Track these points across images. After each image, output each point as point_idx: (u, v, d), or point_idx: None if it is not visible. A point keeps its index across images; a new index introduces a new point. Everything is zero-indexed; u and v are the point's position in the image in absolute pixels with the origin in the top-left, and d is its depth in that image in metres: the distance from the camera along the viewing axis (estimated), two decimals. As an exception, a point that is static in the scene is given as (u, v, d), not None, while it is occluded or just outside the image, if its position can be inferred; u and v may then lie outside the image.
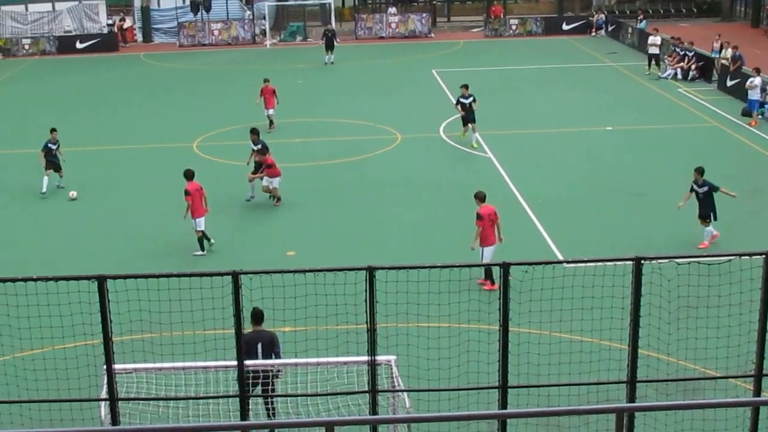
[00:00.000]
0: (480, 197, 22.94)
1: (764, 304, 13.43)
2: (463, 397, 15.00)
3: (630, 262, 13.27)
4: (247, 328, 15.43)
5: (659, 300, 15.58)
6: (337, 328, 16.22)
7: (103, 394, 13.62)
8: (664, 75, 48.41)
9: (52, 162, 30.84)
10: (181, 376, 15.37)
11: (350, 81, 50.13)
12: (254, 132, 30.72)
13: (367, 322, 12.98)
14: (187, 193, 25.26)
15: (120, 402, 13.53)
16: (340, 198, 30.01)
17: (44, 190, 30.57)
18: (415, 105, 43.25)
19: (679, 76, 47.92)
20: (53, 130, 31.49)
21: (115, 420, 13.26)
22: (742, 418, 14.39)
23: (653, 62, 49.39)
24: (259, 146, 29.63)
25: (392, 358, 14.89)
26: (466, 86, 35.33)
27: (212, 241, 25.64)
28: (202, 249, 25.29)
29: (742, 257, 13.83)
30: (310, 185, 31.28)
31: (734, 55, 44.56)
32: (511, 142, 35.94)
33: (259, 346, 16.00)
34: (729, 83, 43.99)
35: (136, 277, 13.57)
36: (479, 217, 22.36)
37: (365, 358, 13.68)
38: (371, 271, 12.75)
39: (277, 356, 16.02)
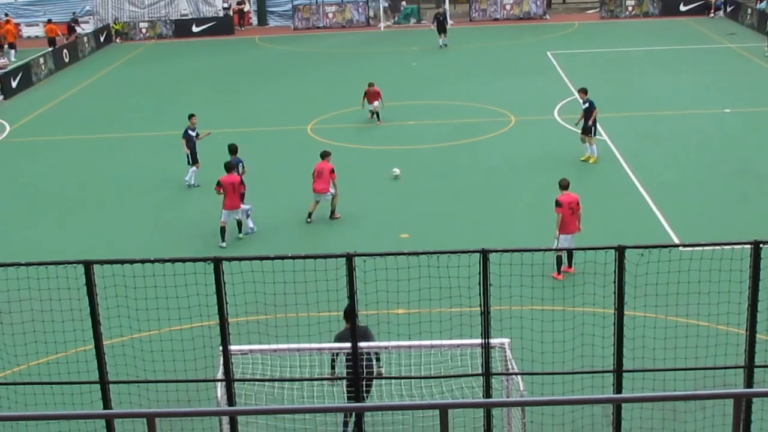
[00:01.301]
0: (562, 185, 22.83)
1: None
2: (578, 381, 14.92)
3: (748, 246, 13.03)
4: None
5: (778, 284, 15.25)
6: (450, 311, 16.26)
7: (220, 375, 13.89)
8: (785, 56, 47.21)
9: (193, 151, 30.02)
10: (295, 357, 15.57)
11: (464, 64, 50.00)
12: (232, 150, 27.59)
13: (480, 305, 12.99)
14: (218, 183, 25.42)
15: (236, 383, 13.78)
16: (453, 180, 29.99)
17: (192, 181, 30.17)
18: (530, 87, 42.95)
19: (800, 57, 46.67)
20: (192, 115, 30.60)
21: (231, 400, 13.52)
22: None
23: (773, 42, 48.18)
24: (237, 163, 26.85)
25: (506, 341, 14.87)
26: (584, 90, 32.08)
27: (240, 235, 25.68)
28: (223, 240, 25.12)
29: None
30: (423, 168, 31.33)
31: None
32: (627, 125, 35.45)
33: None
34: None
35: (251, 259, 13.78)
36: (558, 204, 22.31)
37: (479, 341, 13.69)
38: (485, 253, 12.75)
39: (375, 353, 15.91)
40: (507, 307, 17.21)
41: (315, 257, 13.33)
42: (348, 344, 13.88)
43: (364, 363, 14.76)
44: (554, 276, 21.42)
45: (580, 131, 31.30)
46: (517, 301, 16.49)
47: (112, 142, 36.60)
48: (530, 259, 13.66)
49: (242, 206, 25.67)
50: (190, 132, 30.12)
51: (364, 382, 15.02)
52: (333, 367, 15.65)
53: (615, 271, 12.92)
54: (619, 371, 13.26)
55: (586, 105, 31.00)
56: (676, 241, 23.86)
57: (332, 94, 43.32)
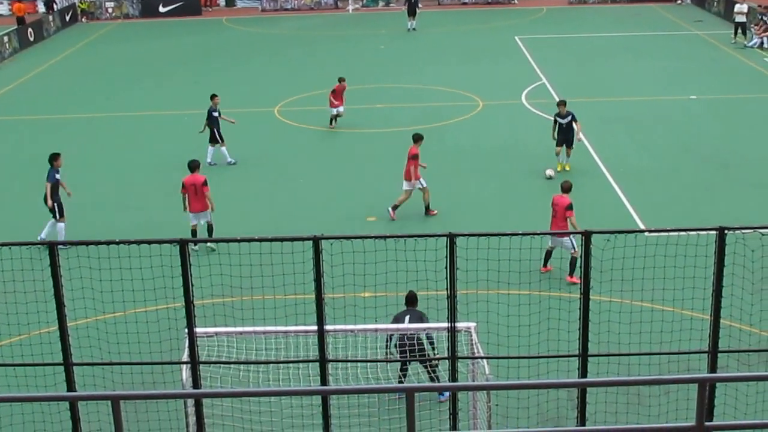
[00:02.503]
0: (561, 186, 22.27)
1: None
2: (543, 365, 14.98)
3: (713, 232, 13.09)
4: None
5: (742, 270, 15.38)
6: (417, 294, 16.30)
7: (185, 357, 13.83)
8: (751, 44, 47.43)
9: (215, 132, 29.86)
10: (261, 340, 15.53)
11: (432, 47, 49.96)
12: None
13: (447, 289, 12.99)
14: (183, 186, 23.45)
15: (201, 365, 13.72)
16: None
17: (230, 159, 30.08)
18: (498, 72, 43.00)
19: (766, 45, 46.92)
20: (214, 95, 30.39)
21: (196, 383, 13.46)
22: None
23: (739, 31, 48.34)
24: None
25: (472, 324, 14.90)
26: (563, 103, 29.13)
27: (196, 248, 22.27)
28: (194, 244, 22.06)
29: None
30: (391, 151, 31.29)
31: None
32: (594, 111, 35.53)
33: (407, 318, 16.28)
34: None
35: (217, 241, 13.74)
36: (553, 204, 21.98)
37: (445, 324, 13.70)
38: (452, 237, 12.75)
39: (427, 335, 16.08)
40: (473, 291, 17.22)
41: (281, 240, 13.27)
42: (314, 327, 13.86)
43: (416, 346, 15.44)
44: (543, 269, 21.52)
45: (557, 145, 28.61)
46: (483, 285, 16.49)
47: (78, 123, 36.31)
48: (497, 244, 13.66)
49: (209, 212, 23.35)
50: (213, 113, 30.01)
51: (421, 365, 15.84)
52: (387, 347, 16.20)
53: (581, 256, 12.95)
54: (584, 356, 13.31)
55: (569, 118, 28.29)
56: (642, 226, 23.99)
57: (300, 76, 43.19)
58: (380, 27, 56.29)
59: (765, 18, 47.93)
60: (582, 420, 13.41)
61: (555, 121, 28.61)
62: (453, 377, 13.55)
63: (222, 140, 30.07)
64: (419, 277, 14.93)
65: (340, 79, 33.53)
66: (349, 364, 15.68)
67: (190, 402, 13.95)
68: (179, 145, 32.41)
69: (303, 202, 26.81)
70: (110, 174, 29.86)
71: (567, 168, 28.67)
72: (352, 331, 15.33)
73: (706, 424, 7.47)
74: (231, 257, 20.97)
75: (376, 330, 15.28)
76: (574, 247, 20.98)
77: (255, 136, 33.56)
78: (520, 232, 13.56)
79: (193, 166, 23.53)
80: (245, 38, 54.57)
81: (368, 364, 15.82)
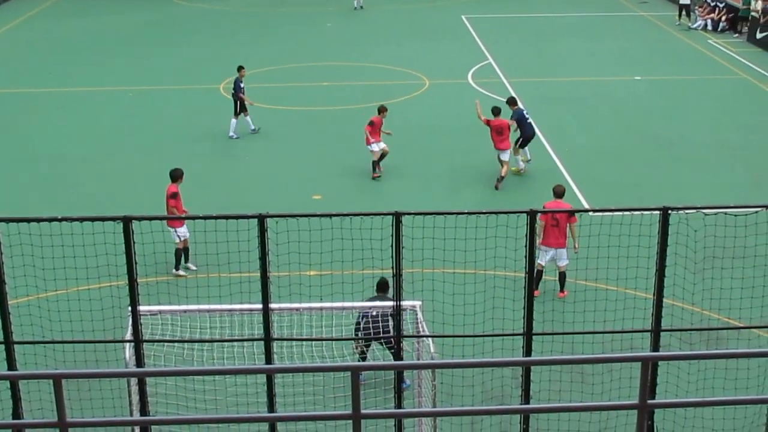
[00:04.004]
0: (555, 192, 20.52)
1: (791, 256, 13.37)
2: (488, 343, 15.04)
3: (657, 212, 13.19)
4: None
5: (685, 250, 15.54)
6: (363, 273, 16.26)
7: (128, 336, 13.71)
8: (695, 26, 47.86)
9: (238, 103, 30.16)
10: (206, 318, 15.44)
11: (379, 25, 49.82)
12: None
13: (392, 267, 12.98)
14: (175, 195, 21.24)
15: (145, 344, 13.61)
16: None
17: (253, 126, 30.62)
18: (444, 51, 42.98)
19: (710, 27, 47.39)
20: (241, 67, 30.65)
21: (139, 362, 13.35)
22: (764, 368, 14.39)
23: (684, 13, 48.72)
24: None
25: (417, 303, 14.92)
26: (512, 100, 27.74)
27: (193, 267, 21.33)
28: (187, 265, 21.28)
29: (770, 209, 13.76)
30: (337, 128, 31.24)
31: (765, 8, 43.97)
32: (540, 90, 35.69)
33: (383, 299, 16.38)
34: (759, 35, 43.46)
35: (161, 218, 13.62)
36: (544, 211, 19.41)
37: (390, 303, 13.70)
38: (398, 216, 12.73)
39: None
40: (419, 269, 17.27)
41: (226, 218, 13.18)
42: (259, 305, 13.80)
43: (381, 329, 15.51)
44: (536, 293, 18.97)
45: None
46: (429, 264, 16.54)
47: (17, 98, 35.80)
48: (443, 222, 13.67)
49: (174, 229, 20.89)
50: (240, 84, 30.15)
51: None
52: (357, 330, 16.19)
53: (526, 235, 12.99)
54: (528, 334, 13.37)
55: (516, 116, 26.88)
56: (587, 206, 24.15)
57: (246, 53, 42.76)
58: (327, 4, 55.99)
59: (709, 0, 48.36)
60: (526, 398, 13.49)
61: (524, 118, 26.92)
62: (398, 356, 13.56)
63: (245, 110, 30.30)
64: (365, 255, 14.91)
65: (381, 110, 27.37)
66: (294, 342, 15.65)
67: (134, 381, 13.85)
68: (121, 121, 32.11)
69: (248, 180, 26.68)
70: (50, 150, 29.48)
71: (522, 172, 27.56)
72: (297, 309, 15.29)
73: (649, 401, 7.53)
74: (179, 234, 20.85)
75: (321, 308, 15.25)
76: (567, 260, 19.83)
77: (200, 113, 33.30)
78: (466, 211, 13.57)
79: (173, 175, 21.58)
80: (191, 14, 53.99)
81: (314, 342, 15.78)
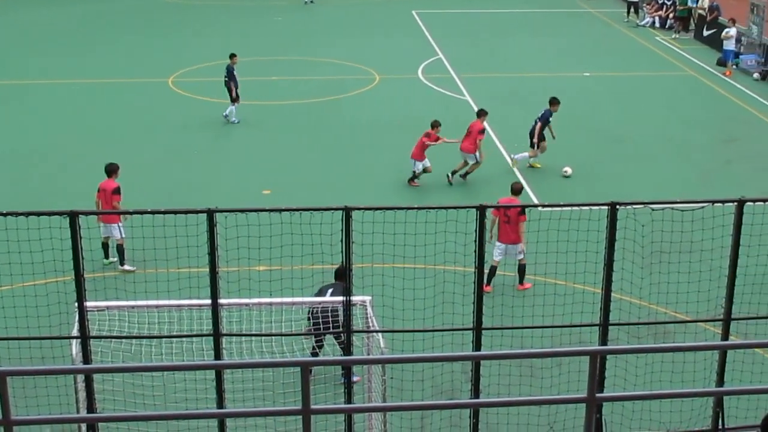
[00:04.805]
0: (512, 188, 20.90)
1: (734, 251, 13.54)
2: (438, 338, 15.05)
3: (605, 207, 13.28)
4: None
5: (633, 245, 15.64)
6: (312, 268, 16.21)
7: (75, 332, 13.55)
8: (643, 23, 48.30)
9: (235, 90, 30.84)
10: (154, 314, 15.31)
11: (329, 20, 49.70)
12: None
13: (342, 262, 12.96)
14: (118, 190, 21.06)
15: (92, 340, 13.46)
16: (317, 137, 29.89)
17: (235, 119, 31.09)
18: (394, 46, 42.97)
19: (657, 25, 47.82)
20: (233, 55, 31.20)
21: (86, 358, 13.21)
22: (710, 361, 14.53)
23: (632, 10, 49.16)
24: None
25: (367, 298, 14.90)
26: (557, 101, 27.71)
27: (106, 261, 21.30)
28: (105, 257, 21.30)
29: (715, 204, 13.91)
30: (287, 123, 31.14)
31: (711, 6, 44.46)
32: (490, 86, 35.80)
33: (329, 291, 16.21)
34: (705, 33, 43.93)
35: (108, 213, 13.47)
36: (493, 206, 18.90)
37: (340, 298, 13.67)
38: (348, 211, 12.70)
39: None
40: (369, 264, 17.25)
41: (175, 212, 13.08)
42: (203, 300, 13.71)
43: (330, 318, 15.30)
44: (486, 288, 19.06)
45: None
46: (378, 259, 16.52)
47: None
48: (393, 218, 13.66)
49: (118, 224, 20.70)
50: (233, 72, 30.75)
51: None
52: (309, 320, 16.05)
53: (476, 230, 13.01)
54: (478, 329, 13.40)
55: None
56: (536, 201, 24.26)
57: (195, 46, 42.54)
58: (277, -2, 55.81)
59: (657, -3, 48.83)
60: (476, 392, 13.53)
61: (548, 120, 27.22)
62: (348, 351, 13.54)
63: (238, 98, 30.91)
64: (315, 250, 14.86)
65: (434, 125, 26.49)
66: (243, 338, 15.56)
67: (80, 378, 13.70)
68: (67, 115, 31.80)
69: (197, 175, 26.51)
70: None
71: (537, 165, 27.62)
72: (246, 304, 15.20)
73: (597, 395, 7.57)
74: (123, 230, 20.67)
75: (271, 304, 15.17)
76: (524, 253, 19.97)
77: (149, 106, 33.04)
78: (416, 206, 13.57)
79: (109, 169, 21.44)
80: (137, 6, 53.44)
81: (263, 338, 15.70)
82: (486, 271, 16.69)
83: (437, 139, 25.95)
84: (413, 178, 26.01)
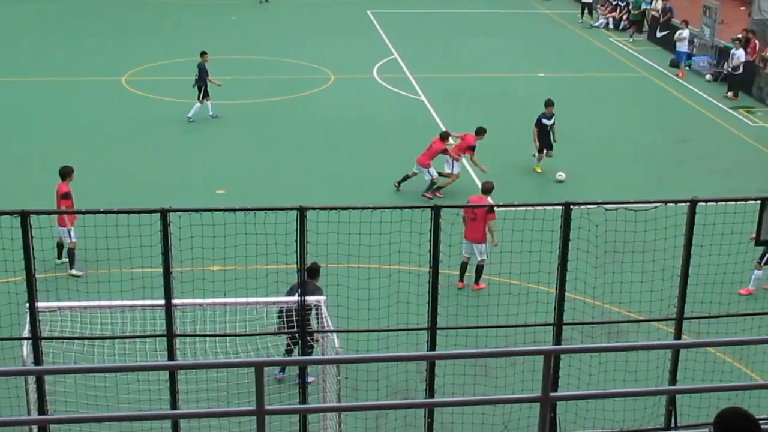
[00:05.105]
0: (482, 188, 21.48)
1: (687, 250, 13.66)
2: (393, 338, 15.05)
3: (559, 207, 13.35)
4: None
5: (587, 245, 15.72)
6: (267, 268, 16.14)
7: (26, 333, 13.40)
8: (597, 24, 48.62)
9: (201, 88, 30.78)
10: (107, 314, 15.17)
11: (284, 19, 49.53)
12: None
13: (297, 262, 12.92)
14: (67, 195, 20.85)
15: (43, 341, 13.32)
16: (272, 136, 29.80)
17: (212, 113, 31.23)
18: (349, 46, 42.91)
19: (611, 26, 48.17)
20: (204, 53, 31.22)
21: (38, 359, 13.08)
22: (663, 360, 14.64)
23: (586, 11, 49.46)
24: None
25: (322, 298, 14.87)
26: (551, 103, 27.82)
27: (58, 261, 21.27)
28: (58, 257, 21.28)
29: (668, 204, 14.02)
30: (242, 123, 31.01)
31: (664, 7, 44.85)
32: (445, 86, 35.86)
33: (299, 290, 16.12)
34: (659, 34, 44.31)
35: (60, 213, 13.34)
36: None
37: (295, 298, 13.63)
38: (302, 210, 12.67)
39: (317, 309, 15.84)
40: (324, 264, 17.23)
41: (128, 212, 13.01)
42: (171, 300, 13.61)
43: (285, 317, 15.12)
44: (460, 285, 20.45)
45: (538, 152, 27.55)
46: (333, 259, 16.49)
47: None
48: (347, 217, 13.64)
49: (68, 228, 20.62)
50: (205, 69, 30.84)
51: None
52: (280, 318, 15.84)
53: (431, 230, 13.03)
54: (433, 328, 13.42)
55: (552, 120, 27.46)
56: (490, 201, 24.28)
57: (148, 45, 42.22)
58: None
59: (610, -1, 49.18)
60: (431, 392, 13.54)
61: (539, 122, 27.35)
62: (303, 351, 13.51)
63: (208, 95, 30.96)
64: (269, 250, 14.80)
65: (444, 135, 26.15)
66: (197, 338, 15.47)
67: (32, 379, 13.55)
68: (18, 113, 31.49)
69: (151, 174, 26.32)
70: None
71: (539, 170, 27.58)
72: (200, 305, 15.12)
73: (551, 394, 7.60)
74: (76, 230, 20.48)
75: (225, 304, 15.10)
76: (485, 254, 20.21)
77: (102, 105, 32.77)
78: (371, 206, 13.56)
79: (63, 173, 21.09)
80: (89, 4, 52.91)
81: (217, 338, 15.61)
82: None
83: (445, 150, 25.55)
84: (437, 189, 25.51)
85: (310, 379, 15.26)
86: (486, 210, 19.82)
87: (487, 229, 20.16)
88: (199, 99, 30.83)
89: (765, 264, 20.11)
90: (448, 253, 14.99)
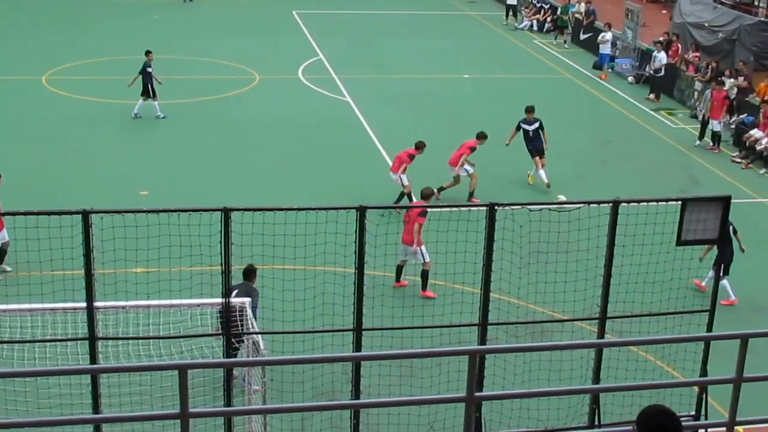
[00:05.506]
0: (421, 193, 21.66)
1: (610, 250, 13.82)
2: (318, 339, 15.00)
3: (484, 208, 13.41)
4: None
5: (511, 245, 15.81)
6: (191, 270, 15.99)
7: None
8: (521, 26, 49.02)
9: (147, 86, 30.82)
10: (27, 317, 14.93)
11: (209, 19, 49.17)
12: None
13: (221, 264, 12.82)
14: None
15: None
16: (196, 137, 29.58)
17: (160, 114, 31.17)
18: (274, 46, 42.75)
19: (535, 28, 48.60)
20: (149, 52, 31.42)
21: (-44, 362, 12.83)
22: (586, 359, 14.78)
23: (511, 13, 49.83)
24: None
25: (246, 300, 14.77)
26: (531, 109, 27.36)
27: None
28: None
29: (591, 205, 14.17)
30: (165, 123, 30.73)
31: (588, 10, 45.36)
32: (370, 87, 35.87)
33: (234, 292, 15.86)
34: (582, 37, 44.79)
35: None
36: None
37: (219, 300, 13.53)
38: (227, 212, 12.58)
39: (252, 308, 15.64)
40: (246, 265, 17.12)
41: (49, 213, 12.79)
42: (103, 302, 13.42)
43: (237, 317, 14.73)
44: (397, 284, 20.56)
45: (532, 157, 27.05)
46: (258, 260, 16.40)
47: None
48: (272, 219, 13.57)
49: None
50: (147, 68, 30.94)
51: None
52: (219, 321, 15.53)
53: (356, 231, 13.01)
54: (358, 330, 13.40)
55: (536, 124, 27.03)
56: (416, 201, 24.36)
57: (69, 44, 41.59)
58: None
59: (534, 1, 49.55)
60: (356, 393, 13.53)
61: (518, 127, 27.06)
62: (227, 353, 13.42)
63: (155, 95, 31.03)
64: (193, 252, 14.67)
65: (419, 146, 25.21)
66: (120, 341, 15.28)
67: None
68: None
69: (72, 175, 25.96)
70: None
71: (531, 181, 27.19)
72: (123, 307, 14.94)
73: (476, 394, 7.62)
74: (5, 233, 20.11)
75: (148, 306, 14.95)
76: (425, 259, 20.04)
77: (22, 105, 32.25)
78: (296, 206, 13.51)
79: None
80: (4, 1, 52.01)
81: (140, 341, 15.44)
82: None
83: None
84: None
85: (255, 388, 15.18)
86: (417, 212, 19.83)
87: (416, 231, 20.16)
88: (142, 95, 30.90)
89: (725, 273, 19.86)
90: (374, 254, 14.98)
